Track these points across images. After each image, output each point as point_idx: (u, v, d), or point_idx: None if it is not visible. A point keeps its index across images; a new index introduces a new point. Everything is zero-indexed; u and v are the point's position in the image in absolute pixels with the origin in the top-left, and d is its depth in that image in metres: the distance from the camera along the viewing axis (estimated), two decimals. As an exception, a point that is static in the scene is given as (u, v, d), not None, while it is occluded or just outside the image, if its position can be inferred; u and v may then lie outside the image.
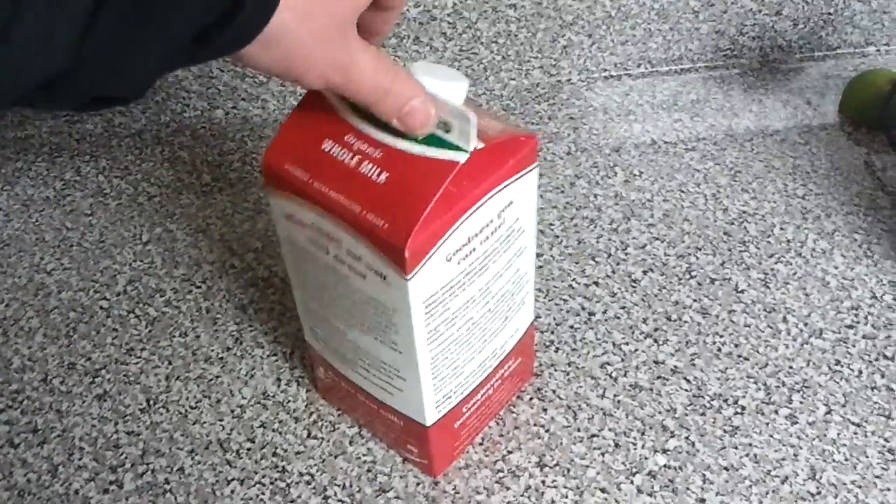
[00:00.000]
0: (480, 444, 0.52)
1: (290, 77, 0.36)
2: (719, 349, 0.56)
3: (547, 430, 0.52)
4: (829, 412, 0.52)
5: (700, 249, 0.63)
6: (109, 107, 0.33)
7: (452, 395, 0.47)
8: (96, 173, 0.73)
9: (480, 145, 0.39)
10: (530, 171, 0.43)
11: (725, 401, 0.53)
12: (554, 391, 0.54)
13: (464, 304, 0.43)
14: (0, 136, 0.77)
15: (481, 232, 0.42)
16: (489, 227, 0.42)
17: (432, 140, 0.39)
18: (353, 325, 0.45)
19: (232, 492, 0.50)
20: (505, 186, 0.42)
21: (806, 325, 0.58)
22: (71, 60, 0.29)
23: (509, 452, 0.51)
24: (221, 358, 0.58)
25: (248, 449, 0.52)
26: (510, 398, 0.54)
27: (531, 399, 0.54)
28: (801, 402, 0.53)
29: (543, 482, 0.50)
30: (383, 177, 0.39)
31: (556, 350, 0.57)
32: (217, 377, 0.57)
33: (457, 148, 0.38)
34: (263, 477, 0.51)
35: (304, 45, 0.34)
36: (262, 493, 0.50)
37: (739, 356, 0.56)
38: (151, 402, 0.56)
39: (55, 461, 0.53)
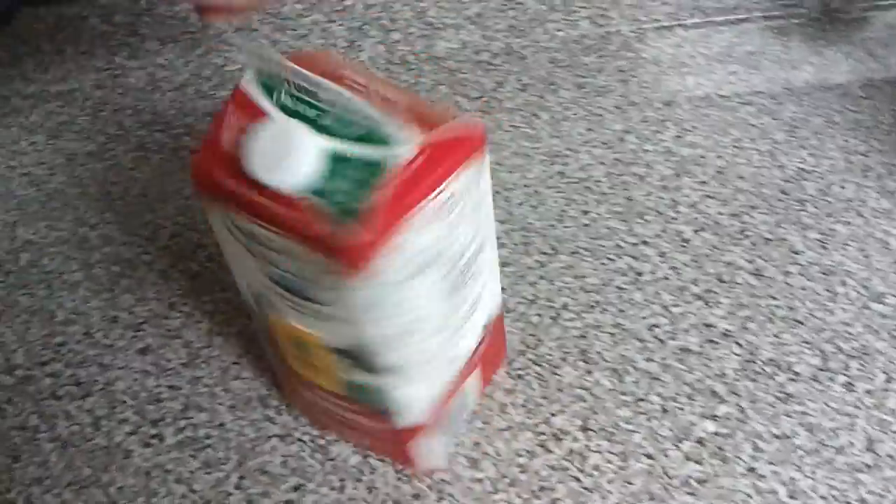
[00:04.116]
0: (523, 405, 0.51)
1: None
2: (773, 313, 0.54)
3: (591, 394, 0.51)
4: (888, 380, 0.51)
5: (755, 208, 0.61)
6: None
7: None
8: (139, 127, 0.73)
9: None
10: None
11: (779, 367, 0.52)
12: (599, 353, 0.53)
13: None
14: (44, 90, 0.77)
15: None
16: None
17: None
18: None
19: (272, 448, 0.50)
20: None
21: (865, 288, 0.55)
22: None
23: (552, 415, 0.50)
24: (262, 314, 0.57)
25: (289, 405, 0.52)
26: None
27: (576, 361, 0.53)
28: (859, 370, 0.51)
29: (587, 446, 0.49)
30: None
31: (602, 311, 0.55)
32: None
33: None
34: (303, 434, 0.51)
35: None
36: (302, 450, 0.50)
37: (795, 320, 0.54)
38: (193, 357, 0.55)
39: (97, 414, 0.53)
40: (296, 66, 0.38)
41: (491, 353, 0.50)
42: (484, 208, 0.43)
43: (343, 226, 0.36)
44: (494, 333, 0.49)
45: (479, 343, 0.47)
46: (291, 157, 0.36)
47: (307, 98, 0.38)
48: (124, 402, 0.54)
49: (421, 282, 0.40)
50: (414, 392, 0.44)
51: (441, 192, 0.38)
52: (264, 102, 0.38)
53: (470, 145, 0.40)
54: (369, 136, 0.37)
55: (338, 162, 0.37)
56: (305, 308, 0.40)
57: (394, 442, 0.47)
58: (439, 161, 0.38)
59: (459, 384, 0.47)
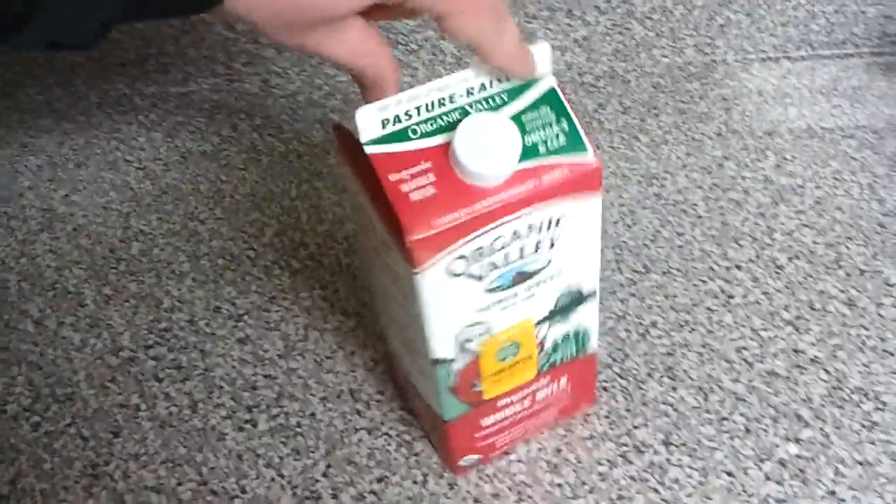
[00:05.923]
0: (606, 416, 0.51)
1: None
2: (864, 342, 0.54)
3: (675, 410, 0.51)
4: (980, 416, 0.50)
5: (851, 239, 0.61)
6: (66, 51, 0.35)
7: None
8: (251, 130, 0.76)
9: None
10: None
11: (866, 395, 0.51)
12: (685, 371, 0.53)
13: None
14: (163, 91, 0.81)
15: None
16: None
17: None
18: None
19: (359, 440, 0.52)
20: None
21: (962, 324, 0.55)
22: (28, 7, 0.30)
23: (635, 427, 0.51)
24: (358, 312, 0.59)
25: (378, 401, 0.54)
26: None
27: (661, 377, 0.53)
28: (950, 404, 0.50)
29: (668, 460, 0.49)
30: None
31: (691, 331, 0.56)
32: (353, 330, 0.58)
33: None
34: (390, 429, 0.52)
35: (265, 27, 0.36)
36: (388, 444, 0.51)
37: (885, 351, 0.53)
38: (289, 349, 0.58)
39: (196, 397, 0.56)
40: (420, 89, 0.38)
41: None
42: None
43: (573, 159, 0.38)
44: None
45: None
46: (503, 141, 0.38)
47: (441, 110, 0.39)
48: (221, 387, 0.56)
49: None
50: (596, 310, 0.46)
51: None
52: (410, 145, 0.38)
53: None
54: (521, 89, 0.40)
55: (519, 125, 0.39)
56: (521, 294, 0.42)
57: (585, 382, 0.49)
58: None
59: None
